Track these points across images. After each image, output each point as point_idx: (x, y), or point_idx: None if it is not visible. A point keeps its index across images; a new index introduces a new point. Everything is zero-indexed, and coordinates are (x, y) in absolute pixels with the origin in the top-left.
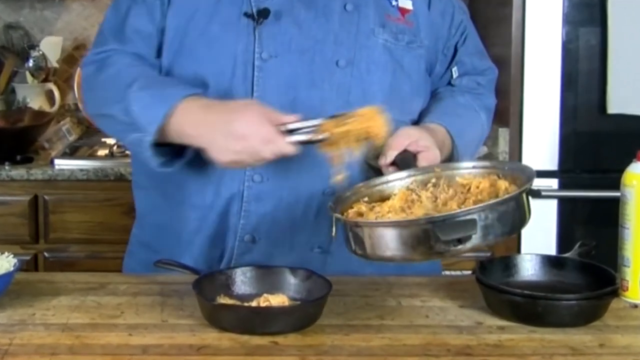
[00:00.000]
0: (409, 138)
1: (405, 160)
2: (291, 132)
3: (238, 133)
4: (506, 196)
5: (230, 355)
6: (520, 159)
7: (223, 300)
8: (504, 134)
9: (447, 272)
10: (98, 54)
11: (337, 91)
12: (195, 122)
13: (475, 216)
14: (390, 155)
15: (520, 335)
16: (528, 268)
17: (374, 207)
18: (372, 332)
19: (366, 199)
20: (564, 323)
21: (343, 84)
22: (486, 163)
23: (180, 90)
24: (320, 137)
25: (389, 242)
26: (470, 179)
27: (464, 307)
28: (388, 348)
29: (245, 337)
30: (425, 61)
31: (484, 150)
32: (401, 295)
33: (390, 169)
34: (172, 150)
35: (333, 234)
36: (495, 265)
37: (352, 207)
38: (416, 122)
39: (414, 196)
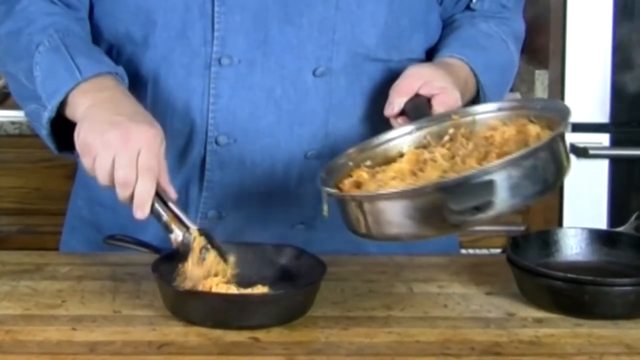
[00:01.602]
0: (421, 79)
1: (418, 108)
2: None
3: (125, 130)
4: (530, 148)
5: (200, 355)
6: None
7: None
8: (541, 77)
9: (471, 251)
10: None
11: (319, 28)
12: (91, 103)
13: (494, 177)
14: (399, 102)
15: (563, 330)
16: (572, 245)
17: (377, 172)
18: (377, 325)
19: (368, 162)
20: (617, 314)
21: (326, 19)
22: (514, 103)
23: (94, 64)
24: (175, 237)
25: (393, 217)
26: (494, 126)
27: (491, 295)
28: (397, 345)
29: (218, 332)
30: None
31: (516, 97)
32: (413, 279)
33: (400, 120)
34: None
35: (324, 212)
36: (531, 242)
37: (350, 176)
38: (428, 59)
39: (427, 155)
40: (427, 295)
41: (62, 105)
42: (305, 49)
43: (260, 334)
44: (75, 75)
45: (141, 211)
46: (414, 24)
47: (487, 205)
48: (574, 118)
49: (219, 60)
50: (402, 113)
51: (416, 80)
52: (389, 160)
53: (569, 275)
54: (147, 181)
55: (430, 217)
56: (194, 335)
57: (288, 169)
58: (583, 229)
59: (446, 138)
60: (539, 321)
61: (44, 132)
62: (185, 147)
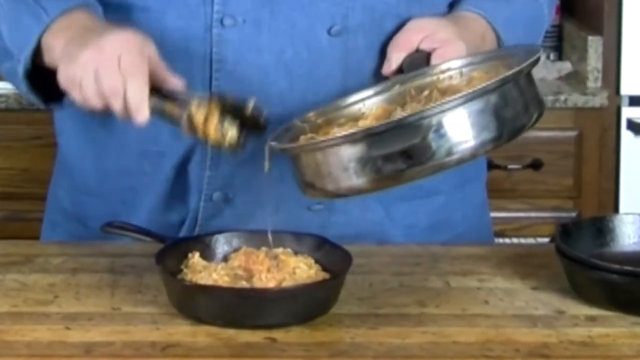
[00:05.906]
0: (422, 32)
1: (414, 65)
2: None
3: (97, 44)
4: (469, 91)
5: (209, 357)
6: (617, 79)
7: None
8: (595, 44)
9: (515, 240)
10: None
11: None
12: (66, 41)
13: (426, 121)
14: (396, 58)
15: (619, 330)
16: (629, 234)
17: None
18: (410, 324)
19: (343, 120)
20: None
21: None
22: (501, 51)
23: (60, 0)
24: (183, 117)
25: (329, 169)
26: (474, 78)
27: (538, 290)
28: (431, 347)
29: (230, 332)
30: None
31: (566, 67)
32: (450, 272)
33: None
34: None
35: (266, 169)
36: (584, 230)
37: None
38: None
39: (399, 111)
40: (465, 290)
41: (40, 55)
42: (318, 6)
43: (278, 334)
44: (42, 17)
45: (140, 114)
46: None
47: (416, 150)
48: (631, 90)
49: (221, 21)
50: (401, 70)
51: (416, 33)
52: (357, 120)
53: (626, 267)
54: (135, 80)
55: (365, 167)
56: (202, 335)
57: None
58: None
59: (425, 93)
60: (592, 319)
61: (23, 88)
62: None
